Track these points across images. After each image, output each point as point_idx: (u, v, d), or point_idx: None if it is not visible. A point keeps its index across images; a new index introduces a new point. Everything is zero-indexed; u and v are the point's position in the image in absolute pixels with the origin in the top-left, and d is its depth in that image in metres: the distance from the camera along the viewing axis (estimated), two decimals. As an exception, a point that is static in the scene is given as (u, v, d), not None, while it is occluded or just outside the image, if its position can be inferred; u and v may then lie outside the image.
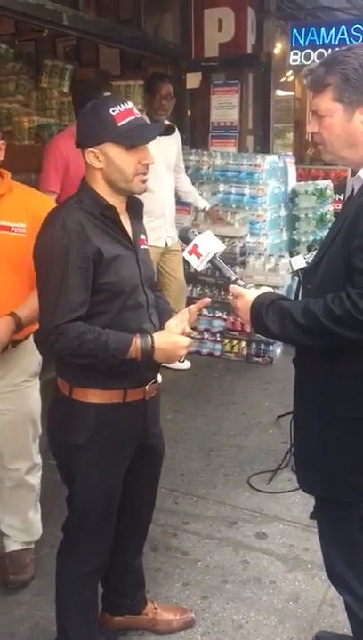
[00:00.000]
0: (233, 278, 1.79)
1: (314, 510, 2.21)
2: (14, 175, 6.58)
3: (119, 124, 1.71)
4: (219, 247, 1.81)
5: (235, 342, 5.03)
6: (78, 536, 1.91)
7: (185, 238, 1.84)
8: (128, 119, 1.72)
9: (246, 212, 5.07)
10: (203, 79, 5.90)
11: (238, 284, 1.77)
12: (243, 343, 5.01)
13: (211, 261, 1.80)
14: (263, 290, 1.75)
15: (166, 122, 3.80)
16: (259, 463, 3.43)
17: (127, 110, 1.73)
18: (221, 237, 5.00)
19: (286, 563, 2.67)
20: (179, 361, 1.87)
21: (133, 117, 1.74)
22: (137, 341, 1.71)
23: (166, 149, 4.56)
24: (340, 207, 4.96)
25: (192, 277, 5.00)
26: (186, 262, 4.12)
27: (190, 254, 1.80)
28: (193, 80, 5.88)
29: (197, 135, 5.97)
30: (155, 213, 4.29)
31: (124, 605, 2.21)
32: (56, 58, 6.68)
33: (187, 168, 5.02)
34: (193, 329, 1.90)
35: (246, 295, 1.72)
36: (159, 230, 4.39)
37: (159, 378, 4.65)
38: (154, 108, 4.41)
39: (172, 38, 5.87)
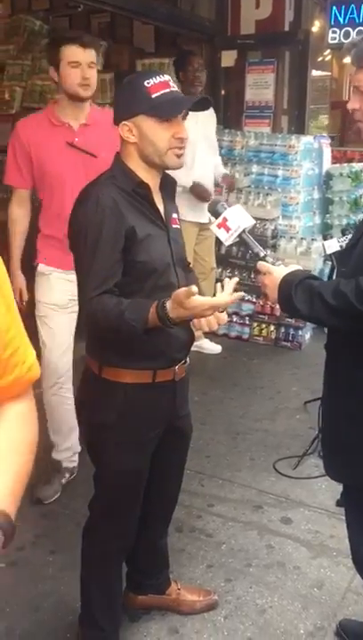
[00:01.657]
0: (262, 254, 1.74)
1: (341, 497, 2.18)
2: None
3: (153, 96, 1.67)
4: (249, 222, 1.76)
5: (264, 326, 4.99)
6: (104, 514, 1.92)
7: (214, 211, 1.78)
8: (162, 91, 1.68)
9: (279, 193, 4.98)
10: (238, 57, 5.78)
11: (267, 261, 1.72)
12: (272, 327, 4.96)
13: (240, 236, 1.75)
14: (293, 267, 1.69)
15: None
16: (285, 448, 3.40)
17: (163, 82, 1.69)
18: (254, 219, 5.00)
19: (310, 549, 2.65)
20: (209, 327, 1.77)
21: (168, 90, 1.70)
22: (153, 309, 1.61)
23: (205, 126, 4.49)
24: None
25: (223, 259, 4.96)
26: (217, 244, 4.05)
27: (219, 228, 1.75)
28: (228, 58, 5.77)
29: (230, 115, 5.87)
30: (183, 196, 4.20)
31: (147, 585, 2.21)
32: (90, 34, 6.62)
33: (220, 148, 4.95)
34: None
35: (275, 272, 1.68)
36: (202, 205, 4.30)
37: (217, 347, 4.64)
38: (189, 82, 4.35)
39: (208, 15, 5.76)
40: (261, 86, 5.69)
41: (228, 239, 1.76)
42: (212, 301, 1.61)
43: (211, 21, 5.73)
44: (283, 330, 4.93)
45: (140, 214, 1.71)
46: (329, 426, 1.81)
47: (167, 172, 1.83)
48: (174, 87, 1.72)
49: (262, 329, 5.00)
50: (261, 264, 1.72)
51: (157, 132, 1.70)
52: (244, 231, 1.75)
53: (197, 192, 4.23)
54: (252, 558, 2.58)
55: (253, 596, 2.39)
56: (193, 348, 4.83)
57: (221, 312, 1.79)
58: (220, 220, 1.75)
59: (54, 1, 6.71)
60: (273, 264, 1.71)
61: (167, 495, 2.11)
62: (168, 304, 1.60)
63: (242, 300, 5.01)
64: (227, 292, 1.67)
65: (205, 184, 4.35)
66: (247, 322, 5.03)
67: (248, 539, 2.70)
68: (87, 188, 1.76)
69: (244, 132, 5.37)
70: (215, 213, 1.77)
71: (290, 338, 4.91)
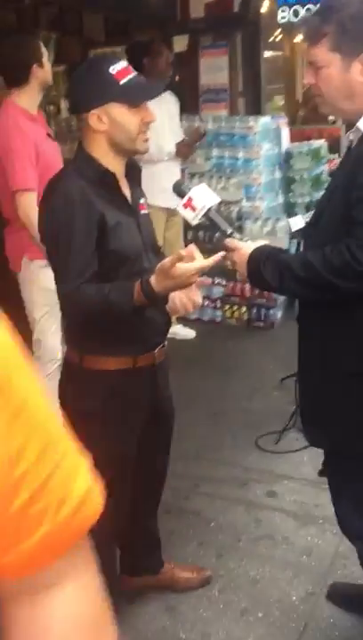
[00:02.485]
0: (229, 232, 1.77)
1: (323, 467, 2.24)
2: None
3: (121, 82, 1.69)
4: (214, 200, 1.79)
5: (235, 308, 5.04)
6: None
7: (179, 191, 1.80)
8: (129, 77, 1.71)
9: (241, 175, 5.02)
10: (190, 42, 5.80)
11: (234, 237, 1.75)
12: (243, 308, 5.01)
13: (206, 215, 1.77)
14: (260, 242, 1.73)
15: None
16: (266, 425, 3.46)
17: (126, 68, 1.72)
18: (219, 197, 5.03)
19: (297, 519, 2.71)
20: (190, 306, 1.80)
21: (133, 75, 1.72)
22: (138, 288, 1.64)
23: (169, 114, 4.53)
24: (335, 166, 4.93)
25: (190, 244, 4.98)
26: (185, 230, 4.05)
27: (185, 208, 1.77)
28: (180, 43, 5.78)
29: (187, 100, 5.87)
30: (163, 182, 4.22)
31: (141, 566, 2.25)
32: (39, 27, 6.54)
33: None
34: None
35: (243, 248, 1.71)
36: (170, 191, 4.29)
37: (191, 332, 4.63)
38: (160, 70, 4.35)
39: (156, 1, 5.75)
40: (215, 70, 5.72)
41: (194, 218, 1.78)
42: (196, 265, 1.62)
43: (159, 6, 5.71)
44: (255, 310, 4.98)
45: (108, 203, 1.72)
46: (308, 396, 1.86)
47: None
48: (135, 72, 1.74)
49: (234, 311, 5.05)
50: (228, 241, 1.75)
51: (128, 117, 1.72)
52: (210, 209, 1.77)
53: (184, 151, 4.51)
54: (241, 533, 2.64)
55: (245, 568, 2.44)
56: (167, 335, 4.87)
57: (197, 293, 1.82)
58: (185, 199, 1.77)
59: (0, -6, 6.59)
60: (240, 240, 1.74)
61: (155, 477, 2.15)
62: (152, 279, 1.62)
63: (212, 283, 5.06)
64: (200, 257, 1.68)
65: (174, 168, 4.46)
66: (219, 305, 5.08)
67: (236, 514, 2.76)
68: (52, 182, 1.76)
69: (201, 116, 5.38)
70: (181, 193, 1.79)
71: (262, 318, 4.97)
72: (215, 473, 3.07)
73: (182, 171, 4.87)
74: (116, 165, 1.76)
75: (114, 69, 1.69)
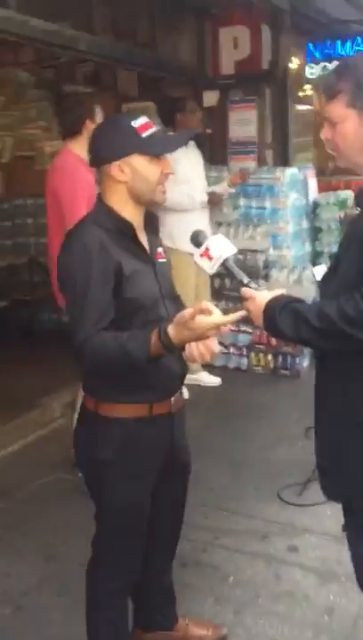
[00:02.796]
0: (245, 281, 1.77)
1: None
2: (37, 200, 6.67)
3: (143, 135, 1.75)
4: (231, 250, 1.80)
5: (262, 355, 5.01)
6: (107, 551, 1.91)
7: (196, 241, 1.82)
8: (150, 130, 1.77)
9: (268, 225, 5.07)
10: (220, 97, 5.96)
11: (250, 287, 1.76)
12: (269, 356, 4.98)
13: (223, 265, 1.79)
14: (277, 292, 1.73)
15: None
16: (289, 476, 3.39)
17: (147, 122, 1.78)
18: (244, 251, 5.08)
19: (319, 576, 2.63)
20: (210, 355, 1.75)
21: (154, 129, 1.79)
22: (154, 337, 1.64)
23: (197, 165, 4.65)
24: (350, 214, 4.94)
25: (216, 292, 5.01)
26: (212, 277, 4.06)
27: (202, 257, 1.78)
28: (210, 98, 5.94)
29: (216, 152, 6.01)
30: (195, 224, 4.29)
31: (155, 621, 2.19)
32: (75, 83, 6.82)
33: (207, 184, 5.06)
34: (220, 343, 1.84)
35: (258, 297, 1.70)
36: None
37: (186, 393, 4.65)
38: (191, 126, 4.47)
39: (188, 58, 5.95)
40: (244, 123, 5.85)
41: (211, 268, 1.79)
42: (216, 320, 1.62)
43: (192, 64, 5.91)
44: (281, 358, 4.95)
45: (125, 252, 1.75)
46: (323, 445, 1.82)
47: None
48: (156, 127, 1.80)
49: (260, 359, 5.02)
50: (244, 290, 1.75)
51: (149, 168, 1.77)
52: (227, 259, 1.79)
53: (213, 200, 4.63)
54: (260, 589, 2.56)
55: (263, 627, 2.36)
56: (192, 382, 4.90)
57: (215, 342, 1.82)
58: (202, 249, 1.79)
59: (41, 53, 6.91)
60: (256, 289, 1.75)
61: (170, 529, 2.11)
62: (170, 328, 1.63)
63: (239, 330, 5.05)
64: (218, 313, 1.68)
65: (203, 219, 4.56)
66: (245, 352, 5.06)
67: (255, 569, 2.68)
68: (71, 232, 1.81)
69: (229, 167, 5.49)
70: (197, 243, 1.81)
71: (288, 366, 4.93)
72: (235, 525, 3.01)
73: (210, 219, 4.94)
74: (134, 215, 1.80)
75: (136, 123, 1.75)
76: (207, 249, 1.78)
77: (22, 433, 4.05)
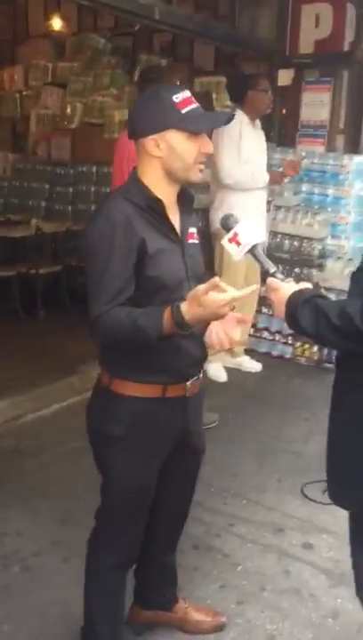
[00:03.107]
0: (271, 271, 1.71)
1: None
2: (101, 167, 6.79)
3: (183, 111, 1.69)
4: (260, 238, 1.74)
5: (307, 346, 4.90)
6: (108, 525, 1.92)
7: (226, 225, 1.76)
8: (191, 106, 1.70)
9: (328, 213, 4.92)
10: (295, 76, 5.77)
11: (277, 277, 1.70)
12: (315, 348, 4.87)
13: (251, 251, 1.73)
14: (302, 285, 1.66)
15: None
16: (316, 472, 3.29)
17: (189, 97, 1.72)
18: (300, 238, 4.95)
19: (330, 577, 2.57)
20: (226, 346, 1.73)
21: (195, 105, 1.72)
22: (168, 314, 1.60)
23: (261, 145, 4.55)
24: None
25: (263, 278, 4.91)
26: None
27: (230, 242, 1.73)
28: (285, 77, 5.75)
29: (285, 133, 5.85)
30: (252, 210, 4.19)
31: (154, 600, 2.19)
32: (152, 53, 6.76)
33: (271, 166, 4.93)
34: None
35: (282, 289, 1.64)
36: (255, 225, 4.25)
37: (224, 376, 4.60)
38: (261, 106, 4.38)
39: (267, 34, 5.77)
40: (317, 105, 5.65)
41: (238, 254, 1.74)
42: (228, 296, 1.57)
43: (269, 41, 5.74)
44: (326, 351, 4.82)
45: (153, 229, 1.71)
46: (336, 450, 1.76)
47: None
48: (197, 104, 1.74)
49: (305, 349, 4.92)
50: (270, 280, 1.69)
51: (186, 146, 1.71)
52: (255, 247, 1.73)
53: (274, 178, 4.53)
54: (267, 582, 2.53)
55: (263, 620, 2.33)
56: (233, 365, 4.82)
57: (236, 330, 1.77)
58: (231, 234, 1.74)
59: (119, 20, 6.87)
60: (282, 281, 1.69)
61: (175, 512, 2.09)
62: (183, 306, 1.59)
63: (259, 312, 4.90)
64: (233, 290, 1.60)
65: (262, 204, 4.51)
66: (290, 341, 4.96)
67: (266, 562, 2.65)
68: (102, 203, 1.78)
69: (296, 150, 5.33)
70: (227, 227, 1.76)
71: (333, 360, 4.79)
72: (253, 515, 2.97)
73: (269, 202, 4.83)
74: (167, 193, 1.76)
75: (177, 98, 1.69)
76: (236, 234, 1.72)
77: (59, 397, 4.11)
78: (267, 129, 5.02)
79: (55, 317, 5.59)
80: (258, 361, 4.81)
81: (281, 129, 5.87)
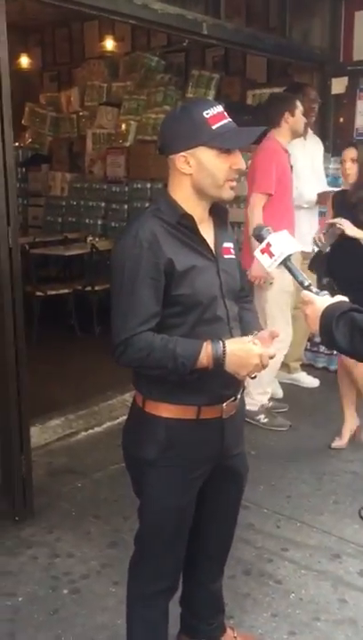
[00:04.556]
0: (306, 284, 1.64)
1: None
2: (156, 184, 6.91)
3: (214, 127, 1.64)
4: (293, 248, 1.67)
5: (366, 361, 4.72)
6: (146, 551, 1.86)
7: (259, 236, 1.70)
8: (222, 122, 1.66)
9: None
10: (349, 84, 5.64)
11: (311, 290, 1.62)
12: (375, 362, 4.68)
13: (284, 263, 1.66)
14: (337, 298, 1.58)
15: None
16: (375, 494, 3.17)
17: (220, 113, 1.67)
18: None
19: (388, 608, 2.43)
20: (250, 376, 1.67)
21: (227, 121, 1.67)
22: (208, 347, 1.60)
23: (312, 155, 4.45)
24: None
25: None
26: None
27: (262, 253, 1.67)
28: (339, 85, 5.62)
29: (340, 142, 5.71)
30: (303, 219, 4.22)
31: (200, 629, 2.11)
32: (204, 68, 6.77)
33: (326, 176, 4.82)
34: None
35: (317, 302, 1.57)
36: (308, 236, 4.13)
37: (280, 392, 4.50)
38: (308, 115, 4.29)
39: (319, 42, 5.67)
40: (372, 112, 5.49)
41: (270, 265, 1.68)
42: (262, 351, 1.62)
43: (322, 49, 5.64)
44: (387, 366, 4.64)
45: (184, 246, 1.67)
46: None
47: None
48: (229, 118, 1.69)
49: (365, 364, 4.74)
50: (304, 293, 1.63)
51: (217, 163, 1.66)
52: (288, 258, 1.66)
53: (324, 202, 4.31)
54: (321, 611, 2.41)
55: (317, 653, 2.22)
56: (289, 381, 4.71)
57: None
58: (263, 245, 1.67)
59: (172, 37, 6.92)
60: (317, 294, 1.61)
61: (218, 537, 2.02)
62: (228, 343, 1.60)
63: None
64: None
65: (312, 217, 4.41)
66: (349, 356, 4.79)
67: (320, 590, 2.53)
68: (131, 221, 1.76)
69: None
70: (259, 238, 1.70)
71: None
72: (308, 539, 2.85)
73: (322, 214, 4.70)
74: (197, 208, 1.71)
75: (208, 113, 1.64)
76: (269, 244, 1.66)
77: (112, 414, 4.11)
78: (321, 139, 4.93)
79: (105, 337, 5.62)
80: (315, 376, 4.68)
81: (336, 138, 5.73)
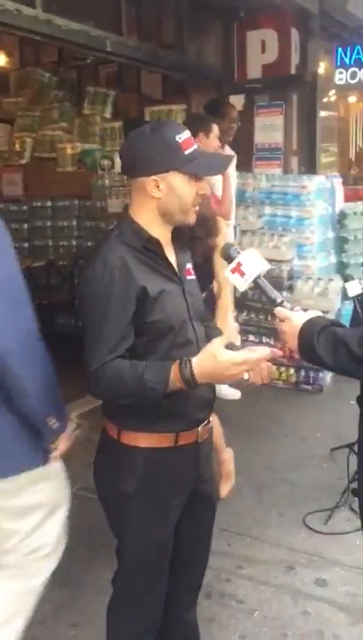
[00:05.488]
0: (279, 300, 1.64)
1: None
2: (56, 202, 6.78)
3: (186, 153, 1.61)
4: (263, 266, 1.66)
5: (283, 369, 4.86)
6: (129, 591, 1.77)
7: (227, 256, 1.68)
8: (193, 147, 1.63)
9: (293, 234, 4.92)
10: (246, 101, 5.82)
11: (285, 307, 1.62)
12: (291, 370, 4.83)
13: (255, 281, 1.65)
14: (312, 313, 1.59)
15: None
16: (315, 501, 3.23)
17: (189, 138, 1.63)
18: (268, 261, 4.91)
19: (350, 614, 2.47)
20: (243, 379, 1.61)
21: (197, 146, 1.65)
22: (175, 369, 1.53)
23: (233, 179, 4.52)
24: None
25: (238, 302, 4.86)
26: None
27: (233, 273, 1.65)
28: (236, 103, 5.77)
29: (241, 157, 5.85)
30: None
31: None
32: (98, 84, 6.72)
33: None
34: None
35: (294, 319, 1.57)
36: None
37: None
38: (223, 131, 4.33)
39: (214, 61, 5.81)
40: (270, 129, 5.70)
41: (242, 284, 1.66)
42: (244, 356, 1.51)
43: (218, 67, 5.77)
44: (303, 373, 4.80)
45: (151, 271, 1.62)
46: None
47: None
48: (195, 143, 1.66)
49: (282, 372, 4.87)
50: (278, 310, 1.62)
51: (187, 188, 1.63)
52: (259, 276, 1.65)
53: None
54: (287, 627, 2.41)
55: (291, 670, 2.22)
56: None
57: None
58: (234, 264, 1.65)
59: (63, 53, 6.81)
60: (291, 309, 1.61)
61: (194, 566, 1.96)
62: (194, 359, 1.52)
63: (260, 342, 4.89)
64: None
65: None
66: (266, 365, 4.90)
67: (282, 604, 2.53)
68: (95, 247, 1.67)
69: (255, 173, 5.34)
70: (228, 258, 1.68)
71: (311, 381, 4.78)
72: (260, 554, 2.85)
73: (234, 227, 4.80)
74: (161, 232, 1.67)
75: (180, 138, 1.60)
76: (239, 264, 1.64)
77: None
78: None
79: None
80: (236, 388, 4.72)
81: (237, 153, 5.88)
